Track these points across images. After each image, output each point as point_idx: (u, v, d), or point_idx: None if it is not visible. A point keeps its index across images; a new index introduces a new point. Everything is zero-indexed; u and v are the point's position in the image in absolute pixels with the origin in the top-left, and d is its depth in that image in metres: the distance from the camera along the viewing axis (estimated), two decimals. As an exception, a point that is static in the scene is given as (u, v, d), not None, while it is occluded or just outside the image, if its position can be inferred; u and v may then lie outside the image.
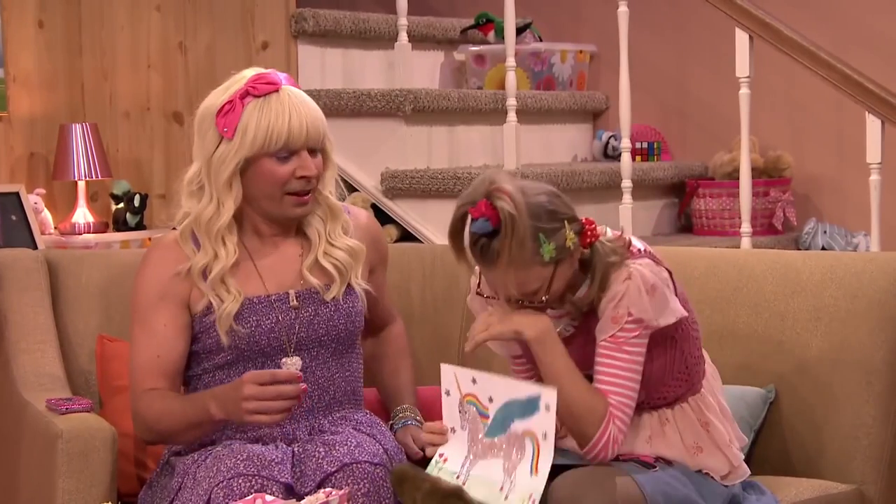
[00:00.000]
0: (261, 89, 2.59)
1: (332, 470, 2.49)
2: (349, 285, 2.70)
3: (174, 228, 2.72)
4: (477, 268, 2.47)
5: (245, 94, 2.60)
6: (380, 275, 2.84)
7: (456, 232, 2.39)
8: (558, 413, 2.36)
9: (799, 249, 4.70)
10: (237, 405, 2.46)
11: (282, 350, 2.65)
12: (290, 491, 2.47)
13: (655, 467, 2.50)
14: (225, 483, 2.45)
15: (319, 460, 2.52)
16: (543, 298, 2.42)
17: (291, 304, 2.66)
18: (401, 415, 2.79)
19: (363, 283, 2.72)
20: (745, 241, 4.21)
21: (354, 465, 2.49)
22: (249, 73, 2.65)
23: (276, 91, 2.60)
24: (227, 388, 2.52)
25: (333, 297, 2.67)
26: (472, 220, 2.35)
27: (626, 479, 2.41)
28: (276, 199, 2.63)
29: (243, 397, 2.45)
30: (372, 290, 2.75)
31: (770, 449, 2.87)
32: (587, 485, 2.39)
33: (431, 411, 2.78)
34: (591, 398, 2.41)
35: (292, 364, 2.64)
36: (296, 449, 2.58)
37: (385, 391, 2.87)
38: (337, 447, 2.53)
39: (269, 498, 2.38)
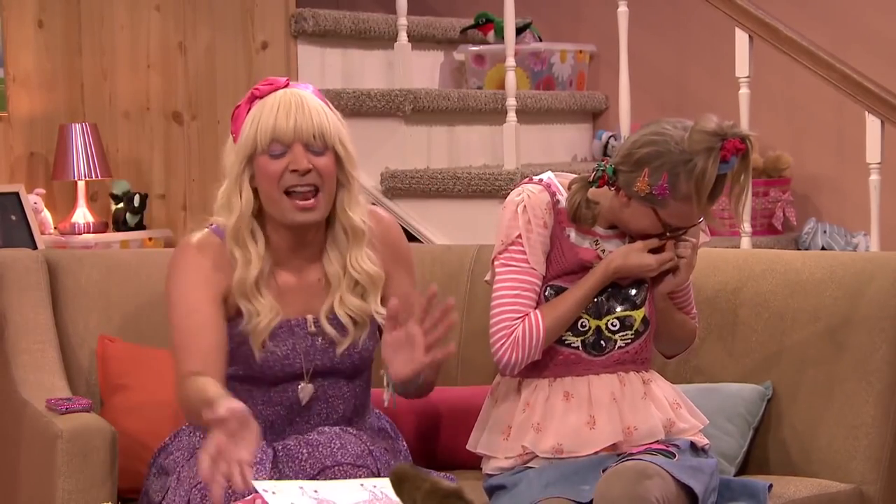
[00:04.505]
0: (263, 90, 2.58)
1: (314, 473, 2.48)
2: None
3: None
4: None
5: (251, 98, 2.59)
6: (399, 280, 2.69)
7: (706, 175, 2.52)
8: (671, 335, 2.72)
9: (799, 249, 4.70)
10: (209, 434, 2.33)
11: (294, 376, 2.61)
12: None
13: (675, 455, 2.54)
14: (203, 486, 2.43)
15: (302, 462, 2.50)
16: None
17: (309, 329, 2.62)
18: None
19: (381, 310, 2.61)
20: (745, 241, 4.21)
21: (336, 467, 2.48)
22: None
23: (276, 91, 2.58)
24: (216, 419, 2.36)
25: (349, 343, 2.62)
26: (724, 160, 2.52)
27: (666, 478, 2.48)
28: (276, 200, 2.56)
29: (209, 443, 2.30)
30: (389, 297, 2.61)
31: (769, 448, 2.88)
32: (640, 481, 2.44)
33: (434, 412, 2.79)
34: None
35: (306, 391, 2.62)
36: (278, 448, 2.55)
37: None
38: (320, 448, 2.51)
39: (269, 499, 2.38)
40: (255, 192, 2.59)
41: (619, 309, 2.64)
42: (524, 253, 2.62)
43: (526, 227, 2.62)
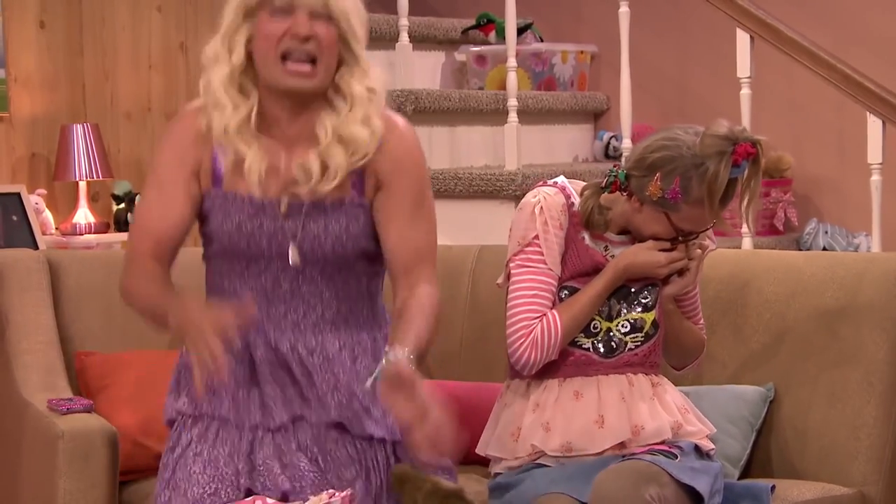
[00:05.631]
0: None
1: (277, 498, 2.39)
2: (345, 201, 2.44)
3: None
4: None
5: None
6: (401, 204, 2.46)
7: (718, 179, 2.54)
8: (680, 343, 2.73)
9: (800, 250, 4.69)
10: (183, 329, 2.30)
11: (266, 258, 2.46)
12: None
13: (677, 456, 2.55)
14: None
15: (275, 477, 2.43)
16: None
17: (281, 210, 2.44)
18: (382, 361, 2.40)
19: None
20: (747, 242, 4.21)
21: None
22: None
23: None
24: (182, 305, 2.34)
25: (312, 194, 2.41)
26: (736, 164, 2.55)
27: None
28: (271, 63, 2.39)
29: (187, 328, 2.27)
30: (386, 223, 2.45)
31: (771, 450, 2.87)
32: (638, 482, 2.44)
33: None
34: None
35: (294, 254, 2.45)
36: (257, 461, 2.44)
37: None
38: (288, 470, 2.42)
39: (270, 501, 2.38)
40: (249, 57, 2.44)
41: (629, 312, 2.65)
42: (541, 254, 2.63)
43: (543, 227, 2.63)
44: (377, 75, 2.49)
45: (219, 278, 2.51)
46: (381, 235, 2.47)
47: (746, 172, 2.57)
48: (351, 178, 2.45)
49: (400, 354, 2.31)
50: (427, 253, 2.48)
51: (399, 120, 2.52)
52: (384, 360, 2.31)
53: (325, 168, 2.42)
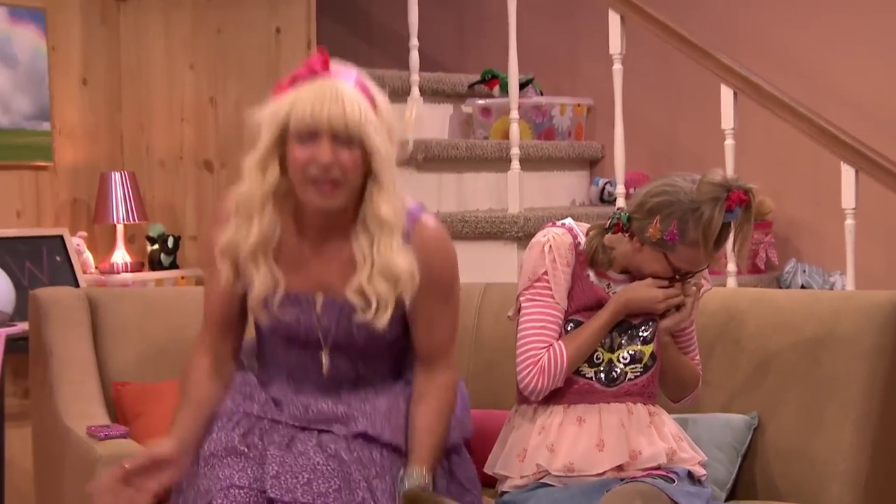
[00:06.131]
0: (302, 74, 2.42)
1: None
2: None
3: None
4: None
5: (293, 79, 2.44)
6: (427, 301, 2.46)
7: (713, 223, 2.55)
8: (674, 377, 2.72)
9: (780, 287, 4.69)
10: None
11: (305, 343, 2.47)
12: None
13: (674, 480, 2.54)
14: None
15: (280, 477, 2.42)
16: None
17: (316, 307, 2.45)
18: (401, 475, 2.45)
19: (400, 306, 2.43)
20: (731, 280, 4.20)
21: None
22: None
23: (317, 74, 2.40)
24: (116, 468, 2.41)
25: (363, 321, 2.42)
26: (729, 209, 2.55)
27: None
28: (301, 185, 2.39)
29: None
30: (413, 317, 2.47)
31: (756, 473, 2.86)
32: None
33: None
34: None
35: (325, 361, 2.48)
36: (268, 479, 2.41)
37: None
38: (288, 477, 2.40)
39: None
40: (283, 167, 2.43)
41: (630, 344, 2.65)
42: (549, 288, 2.64)
43: (551, 264, 2.64)
44: (399, 194, 2.44)
45: (264, 347, 2.57)
46: (409, 324, 2.50)
47: (740, 218, 2.58)
48: None
49: (416, 476, 2.39)
50: (449, 343, 2.53)
51: (430, 221, 2.50)
52: (402, 482, 2.38)
53: (368, 298, 2.42)
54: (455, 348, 2.54)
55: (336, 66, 2.44)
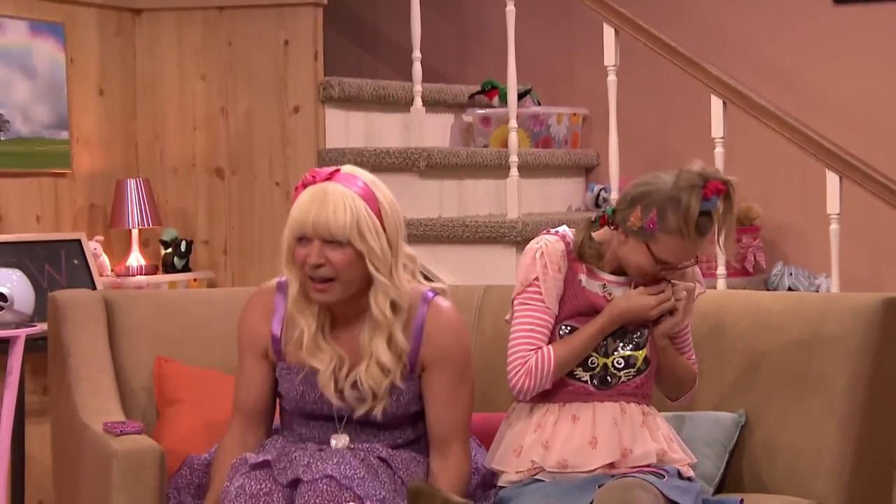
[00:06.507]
0: (307, 180, 2.52)
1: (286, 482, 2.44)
2: (396, 385, 2.53)
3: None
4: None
5: (304, 183, 2.53)
6: (441, 383, 2.56)
7: (690, 209, 2.51)
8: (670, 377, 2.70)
9: (768, 290, 4.69)
10: None
11: (324, 417, 2.57)
12: None
13: (664, 476, 2.54)
14: None
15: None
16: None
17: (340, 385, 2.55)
18: None
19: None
20: (721, 283, 4.20)
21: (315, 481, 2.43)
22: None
23: (314, 183, 2.50)
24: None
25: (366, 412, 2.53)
26: (706, 198, 2.52)
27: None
28: (304, 281, 2.51)
29: None
30: (427, 397, 2.57)
31: (743, 468, 2.86)
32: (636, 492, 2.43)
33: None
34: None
35: (340, 440, 2.56)
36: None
37: None
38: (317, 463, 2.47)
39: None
40: None
41: (624, 349, 2.65)
42: (540, 293, 2.63)
43: (543, 271, 2.63)
44: (402, 282, 2.52)
45: (287, 419, 2.63)
46: (424, 404, 2.57)
47: (721, 209, 2.56)
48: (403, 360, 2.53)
49: None
50: (462, 426, 2.60)
51: (444, 305, 2.58)
52: None
53: (363, 394, 2.51)
54: (469, 433, 2.61)
55: (346, 172, 2.51)
